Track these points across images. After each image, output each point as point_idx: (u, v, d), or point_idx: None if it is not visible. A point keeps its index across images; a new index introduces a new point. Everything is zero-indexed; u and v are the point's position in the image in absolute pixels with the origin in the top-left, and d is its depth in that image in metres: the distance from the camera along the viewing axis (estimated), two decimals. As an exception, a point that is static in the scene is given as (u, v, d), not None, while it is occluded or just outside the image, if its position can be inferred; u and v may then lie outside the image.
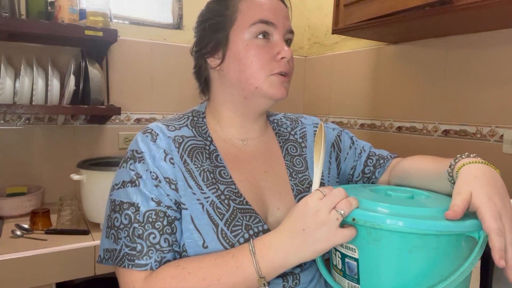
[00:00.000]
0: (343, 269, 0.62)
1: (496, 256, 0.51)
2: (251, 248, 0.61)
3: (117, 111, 1.56)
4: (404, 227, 0.54)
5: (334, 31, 1.55)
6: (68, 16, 1.42)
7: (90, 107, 1.49)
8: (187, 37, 1.93)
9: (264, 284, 0.61)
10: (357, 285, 0.61)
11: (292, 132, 0.87)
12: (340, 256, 0.63)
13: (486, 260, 0.72)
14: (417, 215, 0.56)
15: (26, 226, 1.32)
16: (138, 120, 1.83)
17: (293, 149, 0.84)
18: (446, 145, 1.50)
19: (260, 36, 0.72)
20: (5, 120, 1.56)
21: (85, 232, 1.31)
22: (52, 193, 1.63)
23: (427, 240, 0.55)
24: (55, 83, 1.44)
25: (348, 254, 0.61)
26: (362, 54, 1.87)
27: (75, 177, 1.35)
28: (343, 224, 0.59)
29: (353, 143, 0.90)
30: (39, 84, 1.41)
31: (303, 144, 0.85)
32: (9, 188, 1.55)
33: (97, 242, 1.24)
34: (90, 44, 1.58)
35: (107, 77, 1.66)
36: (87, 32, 1.42)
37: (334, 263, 0.65)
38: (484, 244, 0.56)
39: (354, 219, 0.58)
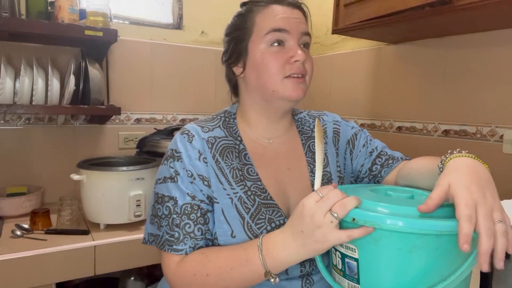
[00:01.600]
0: (343, 269, 0.63)
1: (461, 240, 0.51)
2: (259, 244, 0.68)
3: (117, 111, 1.56)
4: (404, 227, 0.54)
5: (334, 31, 1.55)
6: (68, 16, 1.42)
7: (90, 107, 1.49)
8: (187, 37, 1.93)
9: (271, 276, 0.66)
10: (357, 285, 0.61)
11: (315, 130, 0.91)
12: (340, 256, 0.63)
13: (486, 260, 0.72)
14: (417, 215, 0.56)
15: (26, 226, 1.32)
16: (138, 120, 1.83)
17: (315, 146, 0.87)
18: (446, 145, 1.50)
19: (275, 44, 0.78)
20: (5, 120, 1.57)
21: (85, 232, 1.31)
22: (52, 193, 1.63)
23: (427, 240, 0.55)
24: (55, 83, 1.44)
25: (348, 254, 0.61)
26: (362, 54, 1.87)
27: (75, 177, 1.35)
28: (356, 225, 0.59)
29: (367, 142, 0.94)
30: (39, 84, 1.41)
31: (324, 141, 0.88)
32: (9, 188, 1.55)
33: (97, 242, 1.24)
34: (90, 44, 1.58)
35: (107, 77, 1.66)
36: (87, 32, 1.42)
37: (334, 263, 0.65)
38: None
39: (354, 219, 0.58)
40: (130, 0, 1.85)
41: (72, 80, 1.45)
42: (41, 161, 1.63)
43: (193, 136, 0.80)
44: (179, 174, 0.77)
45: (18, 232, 1.28)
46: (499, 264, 0.53)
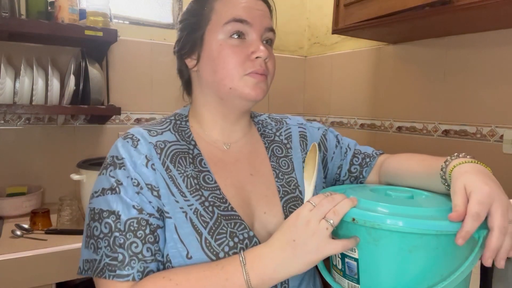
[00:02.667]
0: (343, 269, 0.62)
1: (458, 234, 0.52)
2: (241, 259, 0.60)
3: (117, 111, 1.56)
4: (404, 227, 0.54)
5: (334, 31, 1.55)
6: (68, 16, 1.42)
7: (90, 107, 1.49)
8: (187, 37, 1.93)
9: None
10: (357, 285, 0.61)
11: (277, 133, 0.85)
12: (340, 256, 0.63)
13: (486, 260, 0.72)
14: (417, 215, 0.56)
15: (26, 226, 1.32)
16: (138, 120, 1.83)
17: (279, 150, 0.83)
18: (446, 145, 1.50)
19: (235, 36, 0.70)
20: (5, 120, 1.57)
21: (85, 232, 1.31)
22: (52, 193, 1.63)
23: (427, 240, 0.55)
24: (55, 83, 1.44)
25: (348, 254, 0.61)
26: (362, 54, 1.87)
27: (75, 177, 1.35)
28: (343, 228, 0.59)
29: (338, 142, 0.89)
30: (39, 84, 1.41)
31: (288, 145, 0.84)
32: (9, 188, 1.55)
33: (97, 242, 1.24)
34: (90, 44, 1.58)
35: (107, 77, 1.66)
36: (87, 32, 1.42)
37: (334, 263, 0.65)
38: (484, 243, 0.56)
39: (354, 219, 0.58)
40: (130, 0, 1.85)
41: (72, 80, 1.45)
42: (41, 161, 1.63)
43: (138, 140, 0.68)
44: (121, 184, 0.65)
45: (18, 232, 1.28)
46: (500, 263, 0.52)
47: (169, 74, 1.88)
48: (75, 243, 1.22)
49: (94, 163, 1.44)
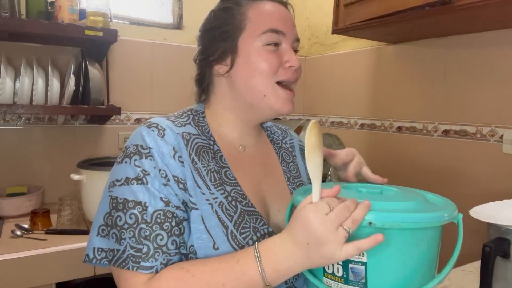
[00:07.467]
0: (344, 275, 0.59)
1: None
2: (256, 254, 0.60)
3: (117, 111, 1.56)
4: (418, 222, 0.56)
5: (334, 31, 1.55)
6: (68, 16, 1.42)
7: (90, 107, 1.49)
8: (187, 37, 1.93)
9: None
10: None
11: (283, 141, 0.90)
12: (340, 262, 0.59)
13: (486, 260, 0.73)
14: (416, 210, 0.58)
15: (26, 226, 1.32)
16: (138, 120, 1.83)
17: (287, 156, 0.87)
18: (446, 145, 1.50)
19: (271, 45, 0.72)
20: (5, 120, 1.56)
21: (85, 232, 1.30)
22: (52, 193, 1.63)
23: (428, 232, 0.58)
24: (55, 83, 1.44)
25: (354, 259, 0.58)
26: (362, 54, 1.87)
27: (75, 177, 1.35)
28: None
29: None
30: (39, 84, 1.41)
31: (293, 153, 0.89)
32: (9, 188, 1.55)
33: (97, 242, 1.24)
34: (90, 44, 1.58)
35: (107, 77, 1.66)
36: (87, 32, 1.42)
37: (330, 272, 0.61)
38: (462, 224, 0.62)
39: (371, 223, 0.56)
40: (130, 0, 1.85)
41: (72, 80, 1.45)
42: (41, 161, 1.63)
43: (165, 130, 0.68)
44: (148, 174, 0.64)
45: (18, 232, 1.28)
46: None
47: (169, 74, 1.89)
48: (75, 243, 1.22)
49: (94, 163, 1.44)
